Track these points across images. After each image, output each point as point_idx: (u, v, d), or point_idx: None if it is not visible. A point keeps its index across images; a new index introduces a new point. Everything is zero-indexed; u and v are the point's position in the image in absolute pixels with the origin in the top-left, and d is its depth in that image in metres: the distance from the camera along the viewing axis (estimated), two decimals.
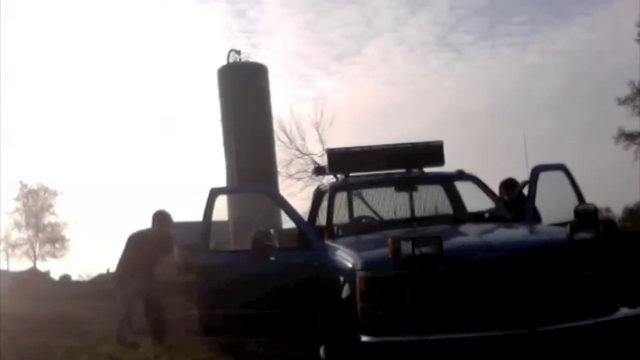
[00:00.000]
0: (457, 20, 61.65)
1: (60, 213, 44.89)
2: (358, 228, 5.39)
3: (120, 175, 66.17)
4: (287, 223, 5.47)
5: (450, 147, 5.92)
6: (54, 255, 44.36)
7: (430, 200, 6.06)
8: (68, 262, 43.97)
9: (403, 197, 6.02)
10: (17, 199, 44.52)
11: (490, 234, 4.72)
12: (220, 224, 7.62)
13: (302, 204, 12.24)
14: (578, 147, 44.41)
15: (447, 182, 6.05)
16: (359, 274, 3.93)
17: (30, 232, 44.54)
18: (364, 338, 3.76)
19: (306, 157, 17.92)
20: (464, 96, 54.95)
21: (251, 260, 5.03)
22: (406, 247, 3.81)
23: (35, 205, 44.93)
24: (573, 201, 5.23)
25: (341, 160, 5.86)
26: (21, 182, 44.28)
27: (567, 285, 3.86)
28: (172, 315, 7.01)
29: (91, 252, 68.93)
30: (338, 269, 4.35)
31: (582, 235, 3.99)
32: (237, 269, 5.20)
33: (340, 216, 5.96)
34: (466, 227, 4.97)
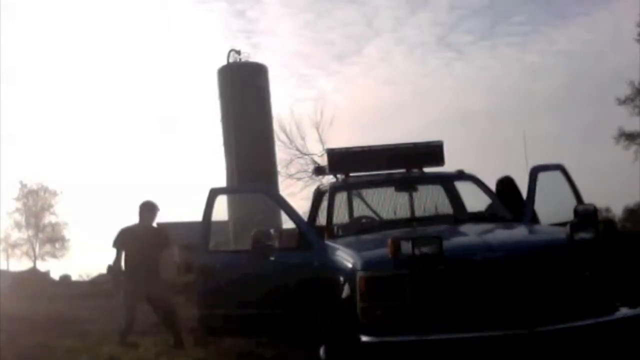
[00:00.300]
0: (457, 20, 61.75)
1: (60, 213, 45.01)
2: (358, 228, 5.39)
3: (120, 175, 66.25)
4: (287, 223, 5.48)
5: (450, 147, 5.93)
6: (54, 255, 44.48)
7: (430, 200, 6.05)
8: (68, 262, 44.13)
9: (403, 197, 6.02)
10: (17, 199, 44.66)
11: (490, 234, 4.72)
12: (220, 224, 7.61)
13: (302, 204, 12.24)
14: (578, 147, 44.49)
15: (447, 182, 6.04)
16: (359, 274, 3.93)
17: (30, 232, 44.62)
18: (364, 338, 3.76)
19: (306, 157, 17.89)
20: (464, 96, 55.05)
21: (251, 260, 5.04)
22: (406, 247, 3.80)
23: (35, 205, 44.98)
24: (572, 201, 5.23)
25: (341, 160, 5.86)
26: (21, 182, 44.43)
27: (567, 286, 3.86)
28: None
29: (91, 252, 69.00)
30: (338, 269, 4.35)
31: (582, 235, 3.98)
32: (237, 269, 5.20)
33: (340, 216, 5.96)
34: (466, 227, 4.96)
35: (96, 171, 67.80)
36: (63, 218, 44.96)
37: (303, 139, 18.12)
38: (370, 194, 6.25)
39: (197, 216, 5.42)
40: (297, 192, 16.90)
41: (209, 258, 5.40)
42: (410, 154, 5.89)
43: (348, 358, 3.96)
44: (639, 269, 4.10)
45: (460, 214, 5.78)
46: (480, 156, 36.94)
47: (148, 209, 6.59)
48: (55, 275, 33.25)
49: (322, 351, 4.36)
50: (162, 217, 6.95)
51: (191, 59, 58.84)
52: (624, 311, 3.86)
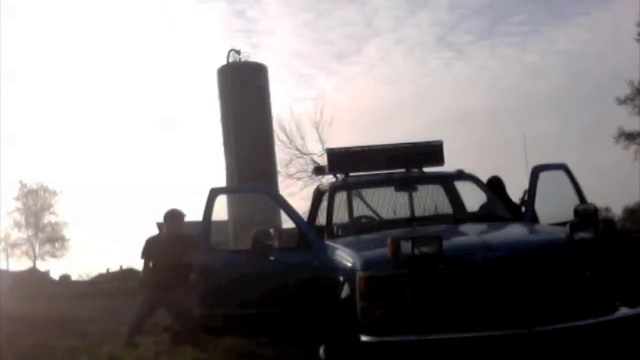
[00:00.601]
0: (457, 20, 61.78)
1: (60, 213, 45.01)
2: (358, 228, 5.39)
3: (120, 175, 66.31)
4: (287, 223, 5.48)
5: (450, 147, 5.93)
6: (54, 255, 44.45)
7: (430, 200, 6.05)
8: (68, 262, 44.06)
9: (403, 197, 6.02)
10: (17, 199, 44.64)
11: (490, 234, 4.72)
12: (220, 224, 7.61)
13: (302, 204, 12.22)
14: (578, 147, 44.38)
15: (447, 182, 6.04)
16: (359, 274, 3.93)
17: (30, 232, 44.60)
18: (364, 338, 3.76)
19: (306, 157, 17.87)
20: (464, 96, 55.04)
21: (251, 260, 5.04)
22: (406, 247, 3.80)
23: (35, 205, 44.98)
24: (573, 201, 5.22)
25: (341, 160, 5.86)
26: (21, 182, 44.41)
27: (567, 285, 3.86)
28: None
29: (91, 252, 69.01)
30: (338, 269, 4.35)
31: (582, 235, 3.98)
32: (237, 269, 5.21)
33: (340, 216, 5.95)
34: (466, 227, 4.96)
35: (96, 171, 67.88)
36: (63, 218, 45.02)
37: (303, 139, 18.11)
38: (370, 194, 6.25)
39: (198, 216, 5.42)
40: (297, 192, 16.89)
41: (209, 258, 5.40)
42: (410, 154, 5.89)
43: (348, 358, 3.96)
44: (639, 269, 4.10)
45: (460, 214, 5.78)
46: (480, 156, 36.90)
47: (172, 219, 6.65)
48: (55, 275, 33.29)
49: (322, 351, 4.36)
50: (162, 217, 6.94)
51: (191, 59, 58.88)
52: (624, 311, 3.86)
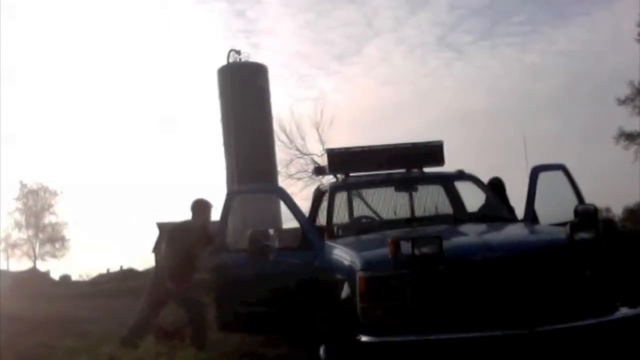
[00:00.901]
0: (457, 20, 61.72)
1: (60, 213, 45.04)
2: (358, 228, 5.40)
3: (120, 175, 66.39)
4: (287, 223, 5.50)
5: (450, 147, 5.94)
6: (54, 255, 44.50)
7: (430, 200, 6.05)
8: (68, 262, 44.09)
9: (403, 197, 6.01)
10: (17, 199, 44.69)
11: (490, 234, 4.73)
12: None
13: (302, 204, 12.20)
14: (578, 147, 44.39)
15: (447, 182, 6.04)
16: (359, 274, 3.93)
17: (30, 232, 44.63)
18: (364, 338, 3.76)
19: (306, 157, 17.93)
20: (464, 96, 55.00)
21: (251, 260, 5.07)
22: (406, 247, 3.80)
23: (35, 205, 45.00)
24: (573, 201, 5.23)
25: (341, 160, 5.87)
26: (21, 182, 44.46)
27: (567, 285, 3.86)
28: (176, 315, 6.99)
29: (91, 252, 69.09)
30: (338, 268, 4.35)
31: (582, 235, 3.98)
32: (244, 268, 5.32)
33: (340, 216, 5.96)
34: (466, 227, 4.96)
35: (96, 171, 68.02)
36: (63, 218, 45.07)
37: (303, 139, 18.16)
38: (370, 194, 6.25)
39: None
40: (297, 192, 16.90)
41: (225, 257, 5.53)
42: (410, 154, 5.89)
43: (348, 358, 3.96)
44: (639, 269, 4.11)
45: (460, 214, 5.79)
46: (480, 156, 36.92)
47: (204, 208, 6.29)
48: (55, 275, 33.32)
49: (322, 351, 4.36)
50: (162, 217, 6.93)
51: (191, 59, 58.94)
52: (624, 311, 3.86)
